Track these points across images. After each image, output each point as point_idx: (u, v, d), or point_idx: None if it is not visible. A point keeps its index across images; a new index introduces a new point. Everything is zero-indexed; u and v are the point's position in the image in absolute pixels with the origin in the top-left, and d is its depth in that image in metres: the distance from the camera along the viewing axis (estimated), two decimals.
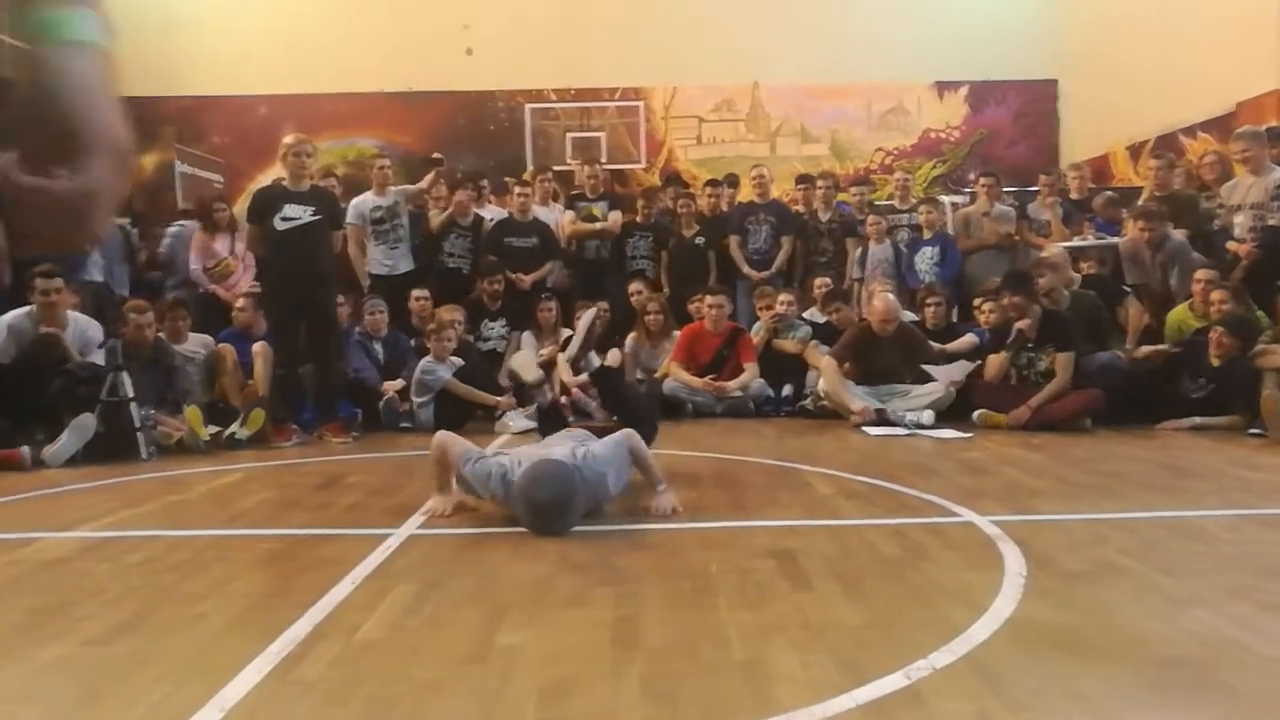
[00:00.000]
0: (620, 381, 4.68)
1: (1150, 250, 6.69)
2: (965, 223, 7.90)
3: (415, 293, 7.14)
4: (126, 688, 1.93)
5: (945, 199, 9.21)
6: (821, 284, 7.52)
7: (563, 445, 3.50)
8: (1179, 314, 6.39)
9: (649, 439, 3.96)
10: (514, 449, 3.58)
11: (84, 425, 5.10)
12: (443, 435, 3.58)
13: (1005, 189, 8.26)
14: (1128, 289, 6.79)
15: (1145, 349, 6.29)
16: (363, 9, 11.04)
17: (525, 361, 6.91)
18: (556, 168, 9.38)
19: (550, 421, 4.52)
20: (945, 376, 6.19)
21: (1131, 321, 6.56)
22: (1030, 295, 6.01)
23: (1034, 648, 2.08)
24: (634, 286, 7.56)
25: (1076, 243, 7.42)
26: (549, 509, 3.12)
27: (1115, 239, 7.19)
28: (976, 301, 6.81)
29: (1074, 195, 8.13)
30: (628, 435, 3.56)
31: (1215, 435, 5.45)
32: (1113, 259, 7.17)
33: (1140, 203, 7.13)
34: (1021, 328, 6.04)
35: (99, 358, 5.50)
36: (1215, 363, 5.73)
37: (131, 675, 2.00)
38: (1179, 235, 6.71)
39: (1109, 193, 8.15)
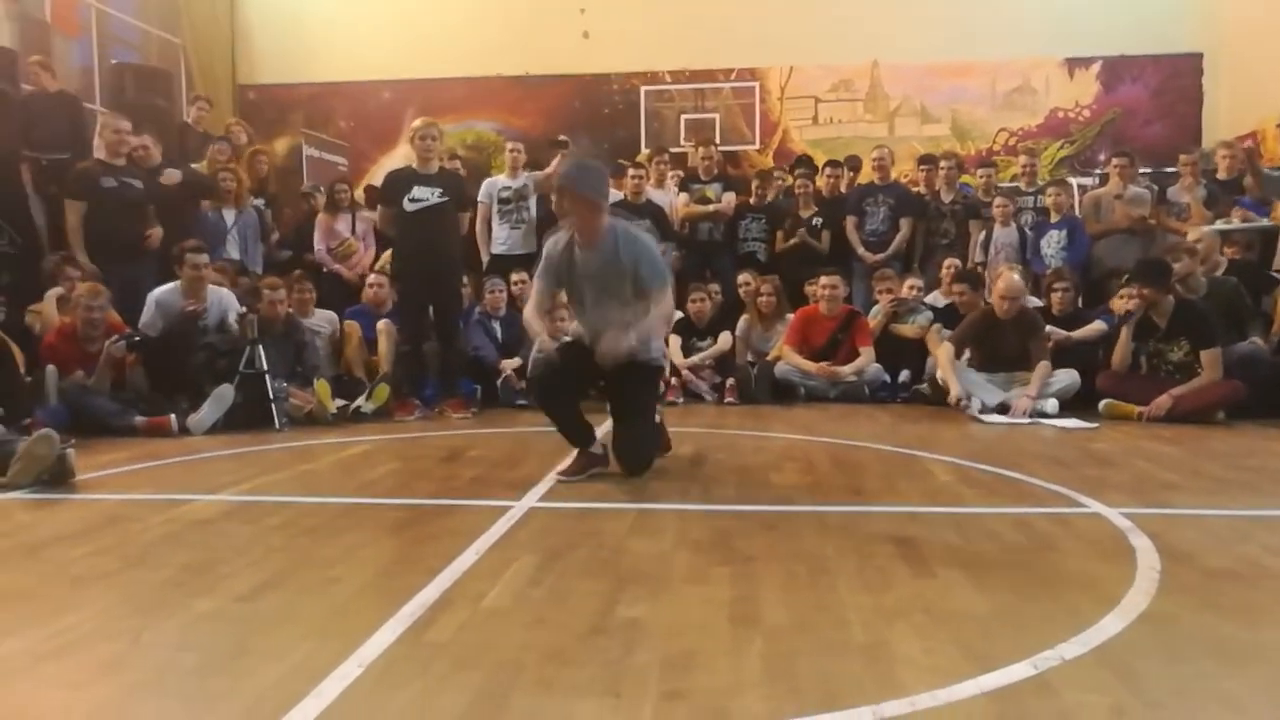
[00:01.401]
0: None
1: None
2: (1095, 205, 7.53)
3: (515, 276, 7.07)
4: (274, 641, 2.05)
5: (1073, 181, 8.81)
6: (950, 264, 7.26)
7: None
8: None
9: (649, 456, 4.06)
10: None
11: (224, 395, 5.40)
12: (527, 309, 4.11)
13: (1140, 170, 7.84)
14: (1276, 275, 6.38)
15: None
16: None
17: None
18: (671, 149, 9.37)
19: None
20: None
21: None
22: (1163, 287, 5.67)
23: (1173, 645, 2.00)
24: (743, 277, 7.39)
25: (1220, 225, 7.00)
26: (578, 162, 3.98)
27: (1267, 221, 6.75)
28: (1121, 292, 6.48)
29: (1221, 175, 7.64)
30: (666, 304, 3.93)
31: None
32: (1261, 243, 6.74)
33: None
34: (1130, 309, 5.76)
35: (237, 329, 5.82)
36: None
37: (277, 630, 2.12)
38: None
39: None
